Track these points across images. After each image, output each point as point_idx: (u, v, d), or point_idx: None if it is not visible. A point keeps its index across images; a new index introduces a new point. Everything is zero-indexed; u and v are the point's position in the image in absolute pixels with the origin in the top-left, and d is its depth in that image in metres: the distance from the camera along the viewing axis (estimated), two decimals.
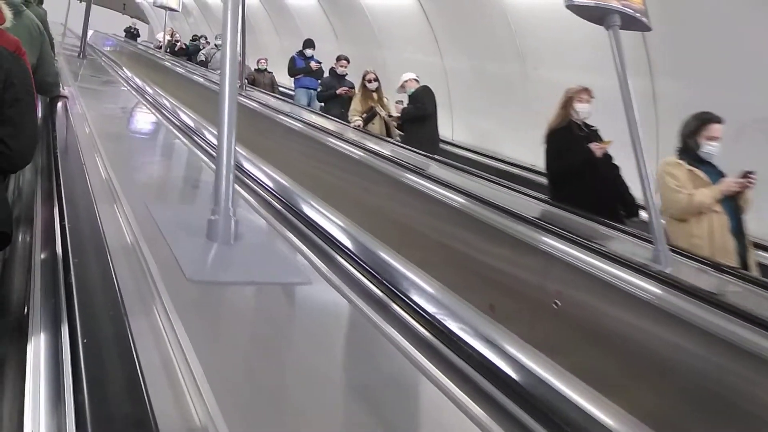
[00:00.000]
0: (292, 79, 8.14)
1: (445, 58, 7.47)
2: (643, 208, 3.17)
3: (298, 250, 1.80)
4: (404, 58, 8.12)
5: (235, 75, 1.83)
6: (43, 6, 4.68)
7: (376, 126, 5.77)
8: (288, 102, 7.23)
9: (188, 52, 12.00)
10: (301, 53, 8.01)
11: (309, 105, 7.55)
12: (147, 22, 21.85)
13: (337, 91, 6.73)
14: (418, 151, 4.49)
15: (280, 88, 9.44)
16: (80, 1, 15.35)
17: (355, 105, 5.89)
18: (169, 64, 9.83)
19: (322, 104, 7.15)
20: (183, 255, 1.56)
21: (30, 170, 2.59)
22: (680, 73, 4.86)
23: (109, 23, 18.87)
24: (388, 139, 5.42)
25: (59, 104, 3.44)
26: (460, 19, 7.05)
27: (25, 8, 2.97)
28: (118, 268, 1.42)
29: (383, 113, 5.78)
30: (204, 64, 10.19)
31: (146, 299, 1.27)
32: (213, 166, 2.86)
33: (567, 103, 3.52)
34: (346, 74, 6.91)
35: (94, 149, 2.58)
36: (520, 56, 6.24)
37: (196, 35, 13.59)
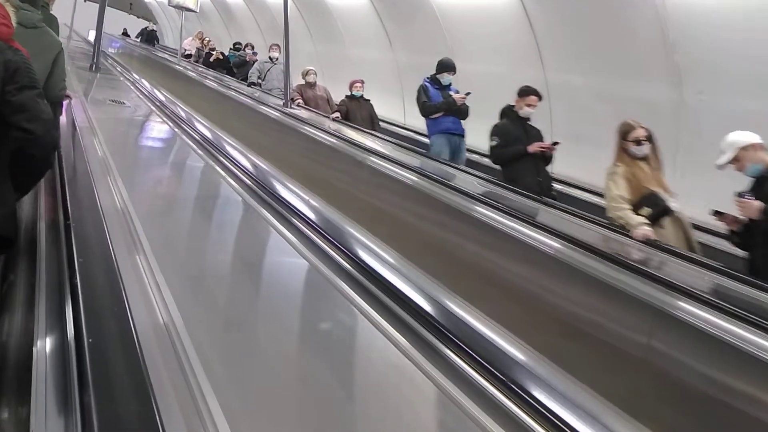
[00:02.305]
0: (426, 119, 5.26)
1: (548, 72, 5.98)
2: None
3: None
4: (484, 70, 6.61)
5: None
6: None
7: (668, 231, 3.00)
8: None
9: (229, 65, 9.72)
10: (434, 79, 5.20)
11: (453, 160, 5.01)
12: (155, 23, 20.43)
13: (530, 149, 4.00)
14: None
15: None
16: (85, 0, 13.93)
17: (616, 188, 3.12)
18: (249, 101, 6.75)
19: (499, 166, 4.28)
20: None
21: None
22: None
23: (115, 24, 17.61)
24: None
25: (63, 104, 3.25)
26: (578, 23, 5.55)
27: (43, 24, 2.83)
28: None
29: (677, 207, 3.06)
30: (256, 84, 7.80)
31: None
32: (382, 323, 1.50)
33: None
34: (530, 117, 4.23)
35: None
36: (676, 76, 4.75)
37: (239, 43, 10.57)
